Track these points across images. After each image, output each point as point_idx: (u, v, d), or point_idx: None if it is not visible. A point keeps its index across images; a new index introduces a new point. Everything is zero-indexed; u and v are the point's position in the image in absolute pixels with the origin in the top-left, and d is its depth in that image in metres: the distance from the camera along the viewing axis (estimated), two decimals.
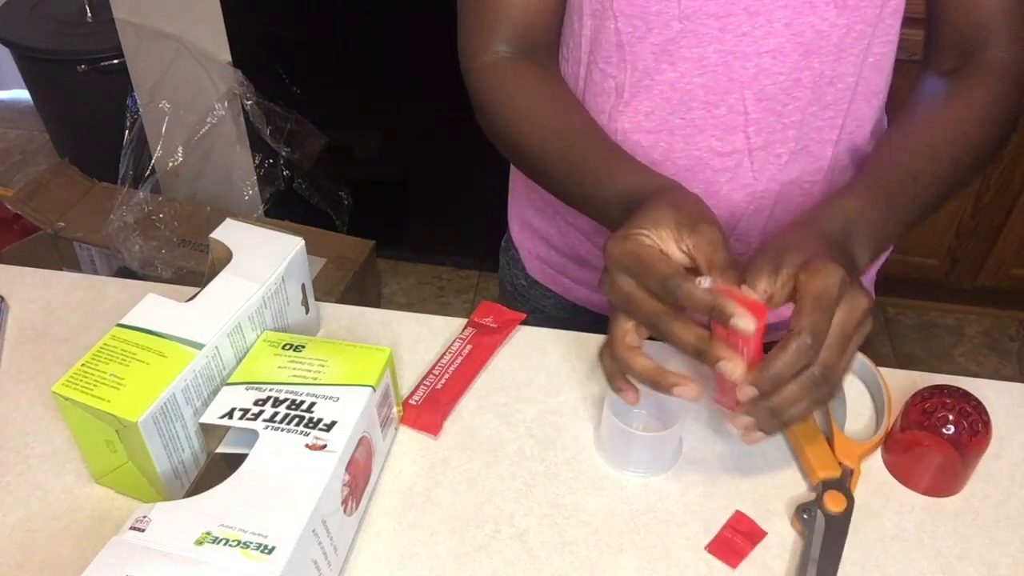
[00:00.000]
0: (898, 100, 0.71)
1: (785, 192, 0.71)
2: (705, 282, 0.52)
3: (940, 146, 0.63)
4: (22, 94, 2.48)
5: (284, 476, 0.51)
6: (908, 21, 0.69)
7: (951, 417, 0.59)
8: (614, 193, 0.62)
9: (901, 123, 0.67)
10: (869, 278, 0.84)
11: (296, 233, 0.67)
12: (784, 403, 0.52)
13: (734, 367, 0.51)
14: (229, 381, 0.58)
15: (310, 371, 0.59)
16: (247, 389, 0.57)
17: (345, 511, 0.54)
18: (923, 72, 0.71)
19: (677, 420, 0.61)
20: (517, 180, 0.88)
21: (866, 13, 0.64)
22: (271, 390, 0.57)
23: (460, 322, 0.75)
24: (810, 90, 0.66)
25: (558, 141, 0.68)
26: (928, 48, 0.71)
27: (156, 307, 0.60)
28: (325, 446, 0.53)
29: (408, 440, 0.65)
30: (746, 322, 0.50)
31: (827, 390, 0.52)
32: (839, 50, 0.65)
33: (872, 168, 0.63)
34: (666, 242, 0.54)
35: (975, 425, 0.59)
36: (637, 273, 0.53)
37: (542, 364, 0.71)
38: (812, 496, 0.61)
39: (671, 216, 0.55)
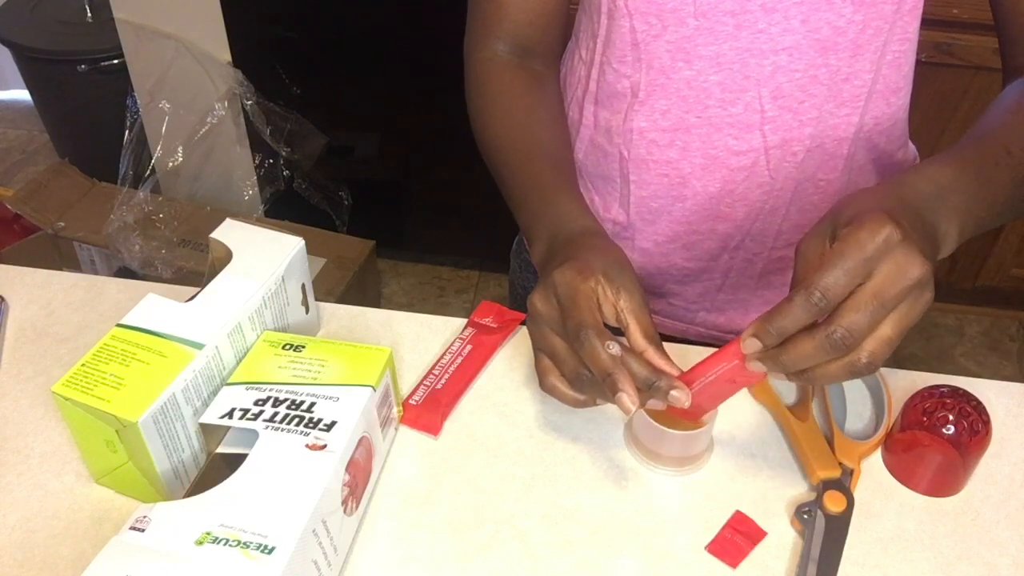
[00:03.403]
0: (920, 104, 0.70)
1: (801, 190, 0.71)
2: (613, 347, 0.52)
3: None
4: (22, 94, 2.48)
5: (284, 476, 0.51)
6: (926, 23, 0.68)
7: (951, 417, 0.59)
8: (550, 214, 0.63)
9: (989, 111, 0.64)
10: None
11: (296, 233, 0.67)
12: (797, 360, 0.48)
13: (685, 396, 0.52)
14: (229, 381, 0.58)
15: (310, 371, 0.59)
16: (247, 389, 0.57)
17: (345, 511, 0.54)
18: (1005, 78, 0.68)
19: (709, 419, 0.61)
20: None
21: (883, 9, 0.64)
22: (271, 390, 0.57)
23: (460, 322, 0.75)
24: (826, 87, 0.66)
25: (520, 148, 0.69)
26: (1004, 52, 0.69)
27: (156, 307, 0.60)
28: (325, 446, 0.53)
29: (408, 440, 0.65)
30: (683, 396, 0.52)
31: (859, 358, 0.47)
32: (855, 46, 0.65)
33: (963, 142, 0.59)
34: (605, 297, 0.55)
35: (975, 425, 0.59)
36: (566, 306, 0.54)
37: None
38: (812, 496, 0.61)
39: (604, 266, 0.56)
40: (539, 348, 0.57)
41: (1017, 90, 0.65)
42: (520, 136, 0.70)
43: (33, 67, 2.12)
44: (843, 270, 0.46)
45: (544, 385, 0.57)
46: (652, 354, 0.54)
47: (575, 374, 0.54)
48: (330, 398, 0.56)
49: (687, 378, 0.55)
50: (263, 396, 0.56)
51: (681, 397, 0.52)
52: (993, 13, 0.69)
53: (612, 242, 0.61)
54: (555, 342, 0.55)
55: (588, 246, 0.58)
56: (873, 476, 0.63)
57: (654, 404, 0.54)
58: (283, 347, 0.61)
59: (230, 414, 0.55)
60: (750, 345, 0.50)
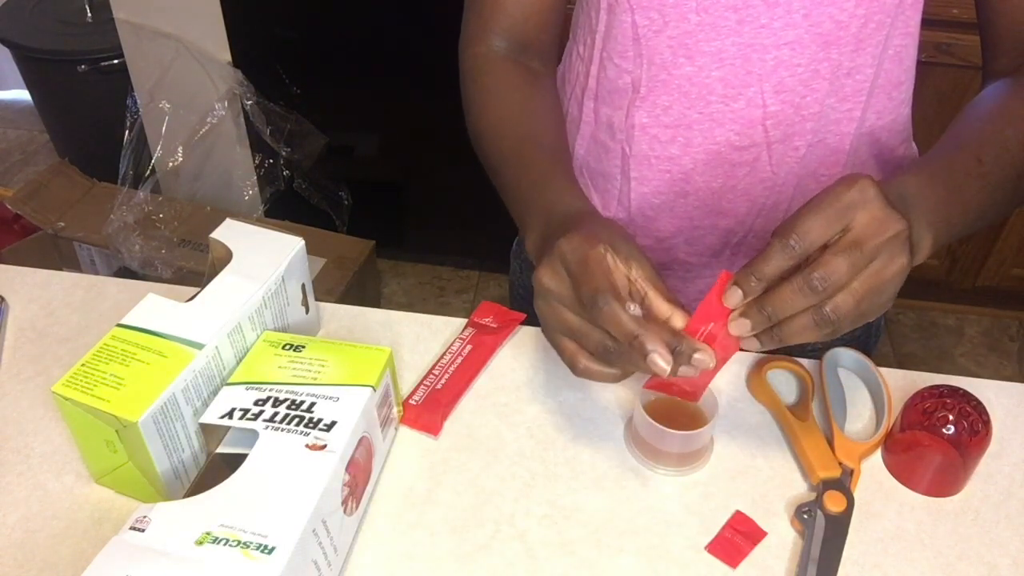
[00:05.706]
0: (920, 104, 0.70)
1: (803, 186, 0.71)
2: (634, 308, 0.50)
3: (1007, 131, 0.60)
4: (22, 94, 2.48)
5: (284, 476, 0.51)
6: (926, 23, 0.68)
7: (951, 417, 0.59)
8: (543, 199, 0.62)
9: (964, 115, 0.64)
10: None
11: (296, 233, 0.67)
12: (777, 307, 0.48)
13: (709, 357, 0.50)
14: (229, 381, 0.58)
15: (310, 371, 0.59)
16: (247, 389, 0.57)
17: (345, 511, 0.54)
18: (984, 79, 0.69)
19: (710, 418, 0.61)
20: None
21: (885, 3, 0.64)
22: (271, 390, 0.57)
23: (460, 322, 0.75)
24: (828, 81, 0.66)
25: (514, 138, 0.68)
26: (986, 54, 0.69)
27: (156, 307, 0.60)
28: (325, 446, 0.53)
29: (408, 440, 0.65)
30: (707, 357, 0.50)
31: (831, 309, 0.48)
32: (857, 40, 0.65)
33: (935, 151, 0.60)
34: (615, 267, 0.52)
35: (975, 425, 0.59)
36: (576, 273, 0.51)
37: (542, 364, 0.71)
38: (812, 496, 0.61)
39: (608, 236, 0.53)
40: (556, 331, 0.54)
41: (992, 95, 0.65)
42: (514, 125, 0.69)
43: (33, 67, 2.12)
44: (818, 214, 0.47)
45: (577, 370, 0.53)
46: (679, 319, 0.52)
47: (601, 347, 0.51)
48: (330, 398, 0.56)
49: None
50: (263, 396, 0.56)
51: (705, 359, 0.50)
52: (977, 14, 0.69)
53: (611, 220, 0.59)
54: (570, 319, 0.52)
55: (587, 221, 0.56)
56: (873, 476, 0.63)
57: (686, 371, 0.51)
58: (283, 347, 0.61)
59: (230, 414, 0.55)
60: (732, 295, 0.50)
